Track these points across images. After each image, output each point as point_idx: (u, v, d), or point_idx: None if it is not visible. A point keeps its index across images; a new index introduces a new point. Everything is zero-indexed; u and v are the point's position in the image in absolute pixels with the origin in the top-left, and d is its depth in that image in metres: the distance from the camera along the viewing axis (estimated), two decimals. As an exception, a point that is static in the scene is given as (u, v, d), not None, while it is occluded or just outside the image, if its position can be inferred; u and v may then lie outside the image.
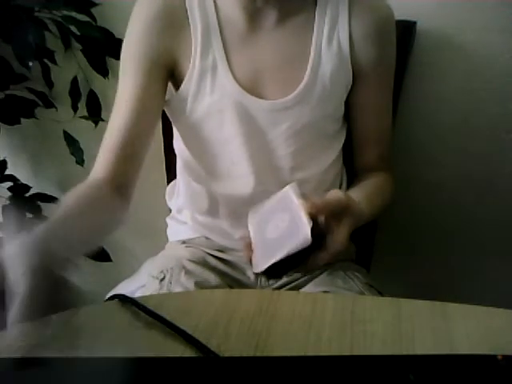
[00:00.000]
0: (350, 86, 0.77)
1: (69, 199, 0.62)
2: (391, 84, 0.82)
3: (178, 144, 0.85)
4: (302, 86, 0.73)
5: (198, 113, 0.75)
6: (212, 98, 0.73)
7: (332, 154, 0.82)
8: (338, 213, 0.61)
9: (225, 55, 0.72)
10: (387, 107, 0.83)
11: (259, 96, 0.73)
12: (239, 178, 0.78)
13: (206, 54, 0.72)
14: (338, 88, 0.75)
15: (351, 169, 0.89)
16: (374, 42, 0.74)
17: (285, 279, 0.83)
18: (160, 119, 0.81)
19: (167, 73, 0.75)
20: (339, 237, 0.61)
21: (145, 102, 0.73)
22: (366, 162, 0.85)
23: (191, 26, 0.72)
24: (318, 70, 0.73)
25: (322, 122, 0.77)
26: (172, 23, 0.72)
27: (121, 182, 0.71)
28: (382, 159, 0.85)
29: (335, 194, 0.62)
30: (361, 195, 0.72)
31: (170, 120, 0.83)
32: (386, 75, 0.79)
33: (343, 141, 0.84)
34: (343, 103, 0.79)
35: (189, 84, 0.73)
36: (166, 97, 0.78)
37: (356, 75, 0.76)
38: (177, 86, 0.76)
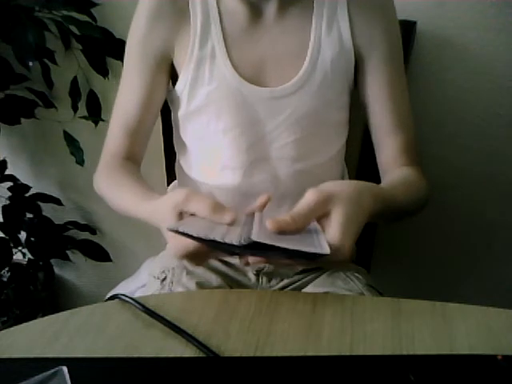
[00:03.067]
0: (352, 73, 0.76)
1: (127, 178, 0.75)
2: (401, 69, 0.79)
3: (177, 139, 0.85)
4: (301, 72, 0.73)
5: (196, 102, 0.75)
6: (210, 87, 0.73)
7: (334, 146, 0.82)
8: (321, 212, 0.54)
9: (224, 44, 0.73)
10: (400, 94, 0.79)
11: (258, 84, 0.74)
12: (237, 169, 0.78)
13: (205, 42, 0.73)
14: (340, 74, 0.75)
15: (375, 175, 0.81)
16: (374, 23, 0.74)
17: (285, 281, 0.83)
18: (163, 102, 0.82)
19: (169, 64, 0.77)
20: (331, 235, 0.53)
21: (151, 92, 0.77)
22: (386, 157, 0.79)
23: (191, 16, 0.73)
24: (317, 56, 0.73)
25: (324, 111, 0.76)
26: (174, 15, 0.73)
27: (136, 158, 0.82)
28: (405, 153, 0.78)
29: (307, 197, 0.55)
30: (369, 185, 0.63)
31: (171, 110, 0.83)
32: (393, 57, 0.77)
33: (346, 136, 0.84)
34: (347, 91, 0.78)
35: (186, 72, 0.74)
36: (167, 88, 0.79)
37: (363, 62, 0.76)
38: (176, 75, 0.77)
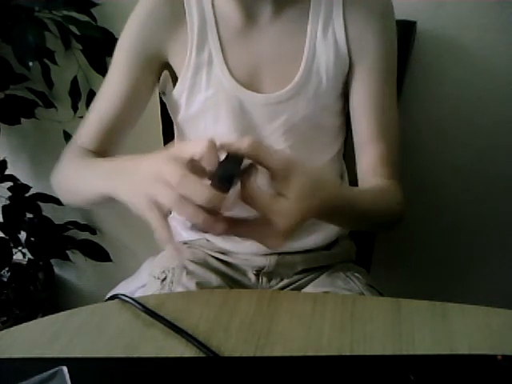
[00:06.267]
0: (345, 77, 0.76)
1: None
2: (392, 80, 0.78)
3: (177, 142, 0.85)
4: (297, 78, 0.73)
5: (194, 107, 0.75)
6: (207, 93, 0.74)
7: (331, 150, 0.82)
8: (281, 171, 0.53)
9: (220, 50, 0.73)
10: (388, 104, 0.78)
11: (255, 90, 0.74)
12: None
13: (202, 49, 0.73)
14: (335, 79, 0.75)
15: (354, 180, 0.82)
16: (369, 29, 0.73)
17: (285, 281, 0.83)
18: (146, 105, 0.81)
19: (160, 65, 0.76)
20: (287, 195, 0.52)
21: (135, 91, 0.76)
22: (366, 165, 0.79)
23: (188, 22, 0.72)
24: (313, 62, 0.73)
25: (320, 116, 0.76)
26: (170, 17, 0.73)
27: (103, 155, 0.78)
28: (385, 163, 0.77)
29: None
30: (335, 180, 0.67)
31: (171, 116, 0.83)
32: (384, 67, 0.76)
33: (343, 138, 0.84)
34: (342, 96, 0.78)
35: (184, 79, 0.74)
36: (166, 91, 0.79)
37: (354, 67, 0.75)
38: (174, 81, 0.77)
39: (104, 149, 0.78)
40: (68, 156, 0.78)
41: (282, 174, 0.53)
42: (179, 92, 0.75)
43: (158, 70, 0.77)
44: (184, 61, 0.73)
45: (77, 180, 0.73)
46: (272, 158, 0.52)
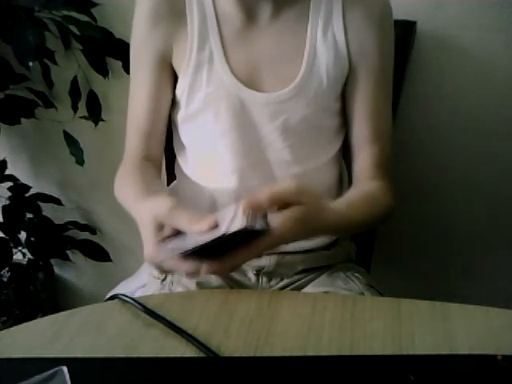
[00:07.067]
0: (345, 79, 0.76)
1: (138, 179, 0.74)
2: (388, 83, 0.79)
3: (176, 141, 0.85)
4: (298, 79, 0.73)
5: (194, 105, 0.76)
6: (208, 90, 0.74)
7: (330, 150, 0.82)
8: (285, 202, 0.54)
9: (221, 48, 0.73)
10: (384, 107, 0.80)
11: (256, 89, 0.74)
12: (235, 172, 0.78)
13: (203, 47, 0.73)
14: (335, 81, 0.75)
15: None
16: (368, 32, 0.73)
17: (285, 281, 0.83)
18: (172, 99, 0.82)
19: (170, 61, 0.78)
20: (279, 223, 0.53)
21: (161, 89, 0.78)
22: (359, 168, 0.80)
23: (189, 20, 0.73)
24: (313, 63, 0.73)
25: (320, 116, 0.77)
26: (172, 15, 0.74)
27: (153, 158, 0.82)
28: (378, 165, 0.79)
29: (284, 184, 0.56)
30: (337, 202, 0.67)
31: (170, 113, 0.84)
32: (381, 70, 0.77)
33: (342, 139, 0.84)
34: (341, 97, 0.78)
35: (185, 76, 0.75)
36: None
37: (353, 68, 0.75)
38: (175, 78, 0.78)
39: (149, 151, 0.80)
40: (119, 171, 0.79)
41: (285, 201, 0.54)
42: (180, 90, 0.76)
43: (171, 69, 0.78)
44: (184, 59, 0.73)
45: (122, 199, 0.74)
46: (276, 200, 0.53)
